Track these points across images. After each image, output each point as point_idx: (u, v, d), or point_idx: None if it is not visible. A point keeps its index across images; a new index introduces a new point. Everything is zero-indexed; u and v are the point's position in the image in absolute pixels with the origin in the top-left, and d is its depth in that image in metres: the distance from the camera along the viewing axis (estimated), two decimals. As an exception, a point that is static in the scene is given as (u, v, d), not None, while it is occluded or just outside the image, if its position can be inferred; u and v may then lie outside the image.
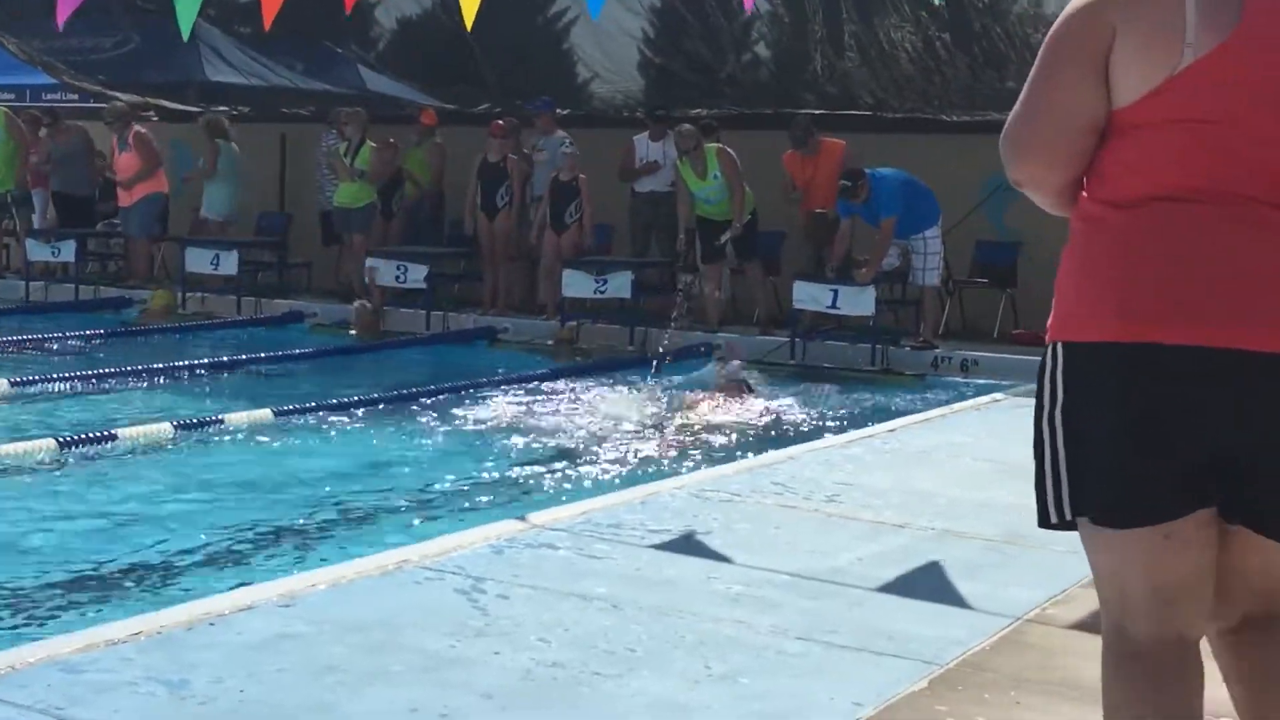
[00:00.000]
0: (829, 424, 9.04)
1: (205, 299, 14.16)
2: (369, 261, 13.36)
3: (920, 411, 8.85)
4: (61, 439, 7.55)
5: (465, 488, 7.21)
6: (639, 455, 7.99)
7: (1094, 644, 4.16)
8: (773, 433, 8.80)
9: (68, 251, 14.84)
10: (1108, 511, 2.43)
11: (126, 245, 15.46)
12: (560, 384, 10.28)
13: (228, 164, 15.00)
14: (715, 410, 9.44)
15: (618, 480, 7.27)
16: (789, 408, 9.62)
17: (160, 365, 10.48)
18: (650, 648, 3.98)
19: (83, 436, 7.66)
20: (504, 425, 8.85)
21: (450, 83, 16.44)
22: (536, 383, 10.25)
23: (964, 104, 13.49)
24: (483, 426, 8.82)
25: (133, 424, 8.13)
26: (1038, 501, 2.50)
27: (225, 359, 11.24)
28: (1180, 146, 2.37)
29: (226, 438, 8.14)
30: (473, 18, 8.75)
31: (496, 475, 7.51)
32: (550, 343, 12.39)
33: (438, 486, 7.21)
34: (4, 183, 15.66)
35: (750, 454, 7.67)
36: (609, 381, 10.48)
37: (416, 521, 6.50)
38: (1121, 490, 2.40)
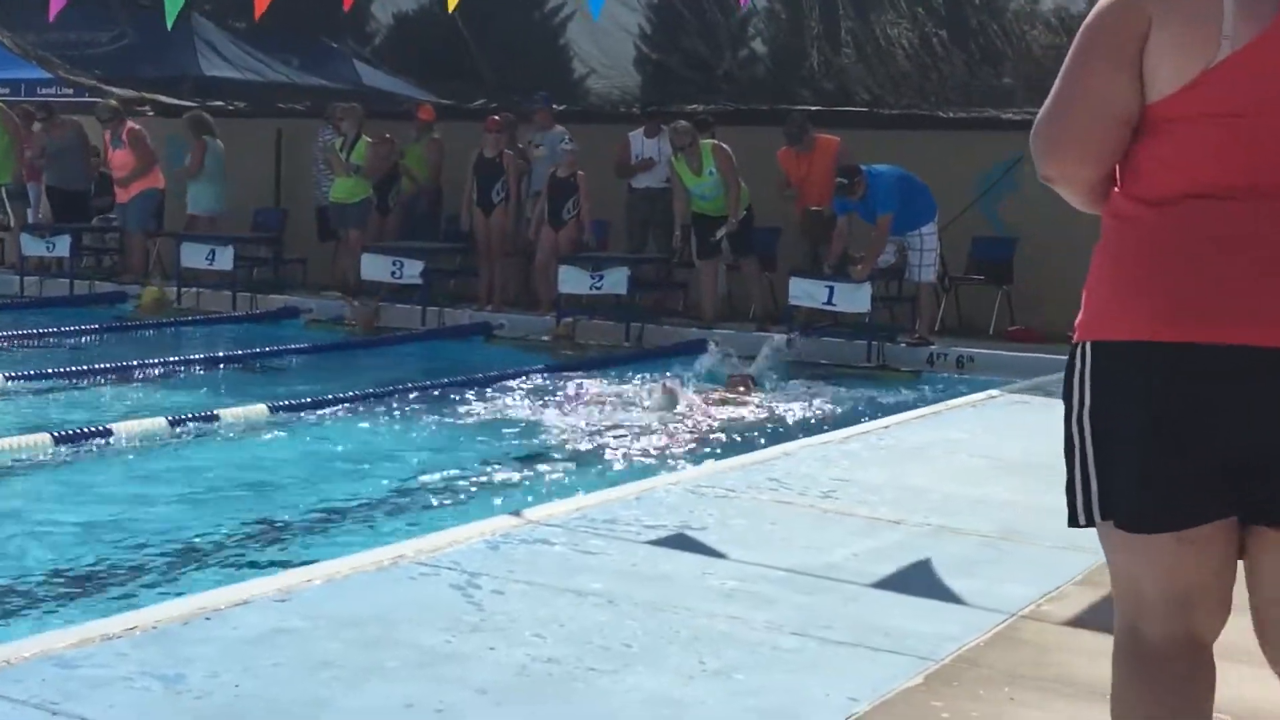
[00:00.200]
0: (825, 420, 9.04)
1: (200, 294, 14.15)
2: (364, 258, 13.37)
3: (916, 408, 8.84)
4: (56, 434, 7.54)
5: (461, 483, 7.21)
6: (634, 451, 7.99)
7: (1089, 641, 4.19)
8: (768, 428, 8.80)
9: (63, 246, 14.82)
10: (1133, 517, 2.39)
11: (122, 240, 15.45)
12: (556, 379, 10.27)
13: (213, 160, 15.00)
14: (718, 406, 9.45)
15: (613, 476, 7.27)
16: (784, 404, 9.63)
17: (155, 361, 10.47)
18: (645, 643, 3.98)
19: (78, 432, 7.66)
20: (499, 421, 8.85)
21: (446, 78, 16.43)
22: (532, 378, 10.25)
23: (960, 100, 13.50)
24: (478, 422, 8.82)
25: (128, 419, 8.13)
26: (1068, 503, 2.46)
27: (220, 354, 11.24)
28: (1217, 142, 2.32)
29: (221, 433, 8.14)
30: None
31: (492, 471, 7.51)
32: (546, 338, 12.39)
33: (433, 482, 7.21)
34: (0, 177, 15.65)
35: (746, 450, 7.67)
36: (605, 377, 10.48)
37: (412, 517, 6.50)
38: (1147, 495, 2.36)
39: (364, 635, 3.92)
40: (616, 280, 12.35)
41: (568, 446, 8.15)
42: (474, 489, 7.10)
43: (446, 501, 6.84)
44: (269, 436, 8.20)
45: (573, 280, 12.49)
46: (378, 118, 14.79)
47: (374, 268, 13.27)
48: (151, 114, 16.89)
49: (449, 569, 4.61)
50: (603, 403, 9.44)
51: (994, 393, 9.21)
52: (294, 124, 16.25)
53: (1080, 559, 5.10)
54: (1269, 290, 2.29)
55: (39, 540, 5.88)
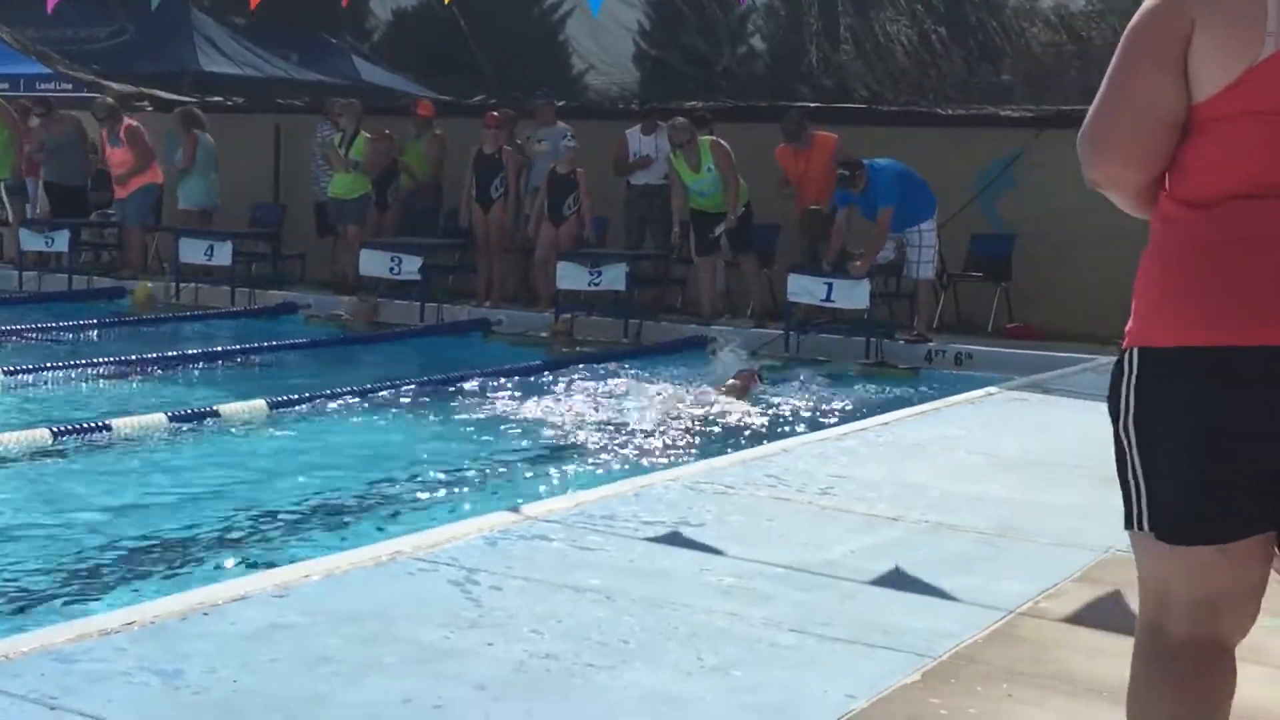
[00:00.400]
0: (823, 417, 9.05)
1: (199, 289, 14.15)
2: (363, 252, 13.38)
3: (914, 405, 8.85)
4: (55, 429, 7.55)
5: (459, 479, 7.22)
6: (632, 447, 7.99)
7: (1087, 638, 4.20)
8: (767, 425, 8.81)
9: (61, 241, 14.82)
10: (1175, 528, 2.38)
11: (121, 235, 15.45)
12: (554, 376, 10.28)
13: (204, 155, 15.00)
14: (722, 401, 9.46)
15: (611, 472, 7.28)
16: (783, 400, 9.63)
17: (154, 356, 10.47)
18: (643, 639, 3.98)
19: (76, 427, 7.66)
20: (497, 417, 8.86)
21: (445, 74, 16.41)
22: (531, 374, 10.26)
23: (959, 97, 13.49)
24: (476, 418, 8.82)
25: (127, 414, 8.13)
26: (1124, 506, 2.46)
27: (219, 350, 11.24)
28: (1261, 139, 2.30)
29: (220, 429, 8.14)
30: None
31: (490, 467, 7.52)
32: (545, 335, 12.39)
33: (431, 477, 7.21)
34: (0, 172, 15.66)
35: (744, 446, 7.67)
36: (603, 374, 10.48)
37: (410, 513, 6.50)
38: (1191, 506, 2.35)
39: (362, 631, 3.92)
40: (615, 277, 12.35)
41: (566, 442, 8.15)
42: (472, 485, 7.11)
43: (444, 497, 6.84)
44: (267, 432, 8.20)
45: (571, 276, 12.49)
46: (376, 113, 14.79)
47: (372, 263, 13.26)
48: (150, 109, 16.89)
49: (447, 565, 4.61)
50: (601, 399, 9.44)
51: (992, 390, 9.21)
52: (293, 119, 16.25)
53: (1078, 556, 5.11)
54: None
55: (37, 535, 5.88)
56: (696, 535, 5.18)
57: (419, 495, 6.89)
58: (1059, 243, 12.39)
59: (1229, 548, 2.35)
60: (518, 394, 9.52)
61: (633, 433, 8.37)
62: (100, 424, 7.77)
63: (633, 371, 10.56)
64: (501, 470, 7.44)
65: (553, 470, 7.41)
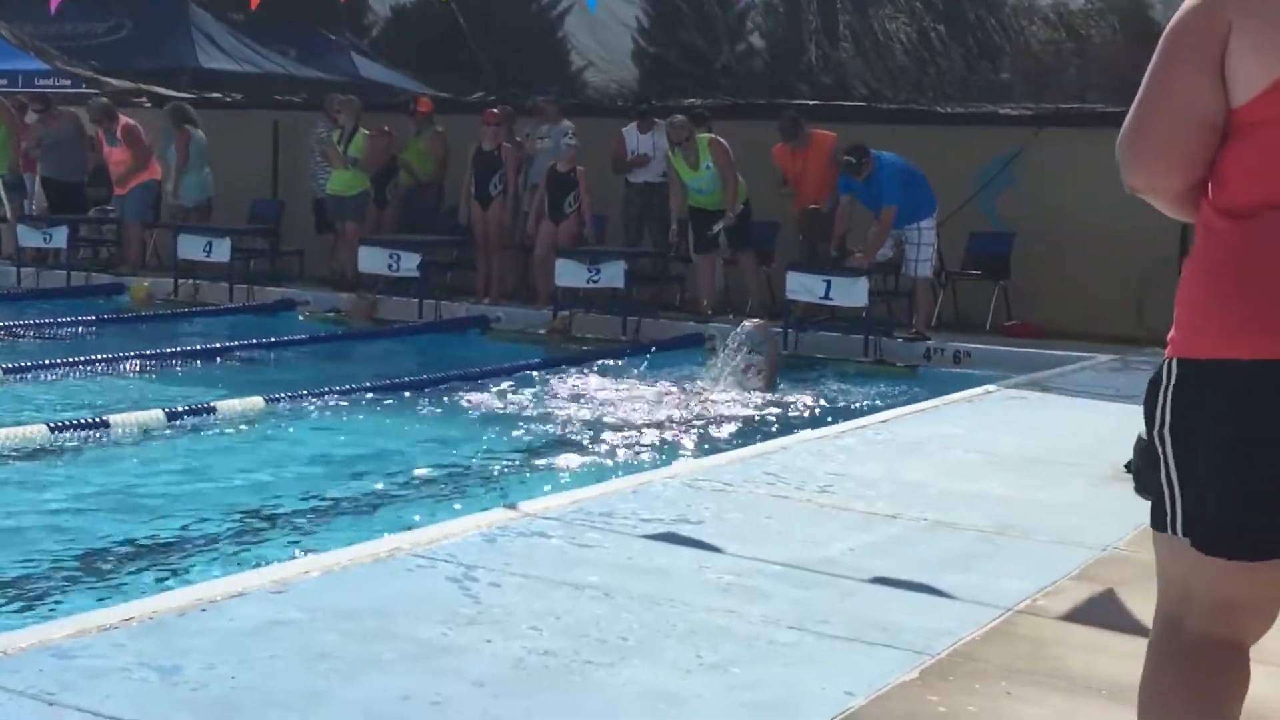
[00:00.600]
0: (821, 414, 9.05)
1: (198, 286, 14.14)
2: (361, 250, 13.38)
3: (912, 403, 8.85)
4: (53, 425, 7.54)
5: (457, 476, 7.22)
6: (631, 444, 7.99)
7: (1085, 635, 4.20)
8: (765, 422, 8.81)
9: (59, 238, 14.81)
10: (1209, 541, 2.36)
11: (120, 231, 15.44)
12: (553, 373, 10.28)
13: (197, 150, 15.00)
14: (721, 396, 9.48)
15: (610, 469, 7.28)
16: (781, 397, 9.64)
17: (152, 352, 10.47)
18: (642, 637, 3.98)
19: (74, 423, 7.66)
20: (496, 414, 8.86)
21: (444, 71, 16.40)
22: (529, 371, 10.26)
23: (958, 95, 13.49)
24: (475, 415, 8.82)
25: (124, 411, 8.13)
26: (1155, 505, 2.45)
27: (217, 346, 11.24)
28: None
29: (218, 425, 8.13)
30: None
31: (488, 463, 7.52)
32: (542, 331, 12.39)
33: (430, 474, 7.22)
34: (-3, 167, 15.67)
35: (742, 444, 7.68)
36: (602, 371, 10.48)
37: (408, 509, 6.50)
38: (1229, 519, 2.33)
39: (361, 627, 3.92)
40: (613, 274, 12.35)
41: (564, 439, 8.15)
42: (470, 482, 7.11)
43: (443, 494, 6.84)
44: (266, 428, 8.20)
45: (570, 274, 12.49)
46: (375, 110, 14.78)
47: (371, 260, 13.26)
48: (148, 105, 16.87)
49: (445, 561, 4.61)
50: (599, 396, 9.44)
51: (990, 388, 9.21)
52: (291, 116, 16.24)
53: (1076, 554, 5.12)
54: None
55: (36, 531, 5.88)
56: (695, 533, 5.18)
57: (417, 492, 6.89)
58: (1058, 241, 12.40)
59: (1260, 564, 2.34)
60: (516, 391, 9.52)
61: (631, 430, 8.38)
62: (98, 420, 7.76)
63: (631, 369, 10.56)
64: (500, 467, 7.44)
65: (551, 467, 7.41)
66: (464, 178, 13.69)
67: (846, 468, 6.48)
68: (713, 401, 9.39)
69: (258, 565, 5.14)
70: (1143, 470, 6.28)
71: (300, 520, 6.33)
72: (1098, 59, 13.27)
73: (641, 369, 10.57)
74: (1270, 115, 2.29)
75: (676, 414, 8.94)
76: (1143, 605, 4.49)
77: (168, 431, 7.90)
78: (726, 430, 8.53)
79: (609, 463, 7.53)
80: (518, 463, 7.54)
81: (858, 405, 9.36)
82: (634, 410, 8.98)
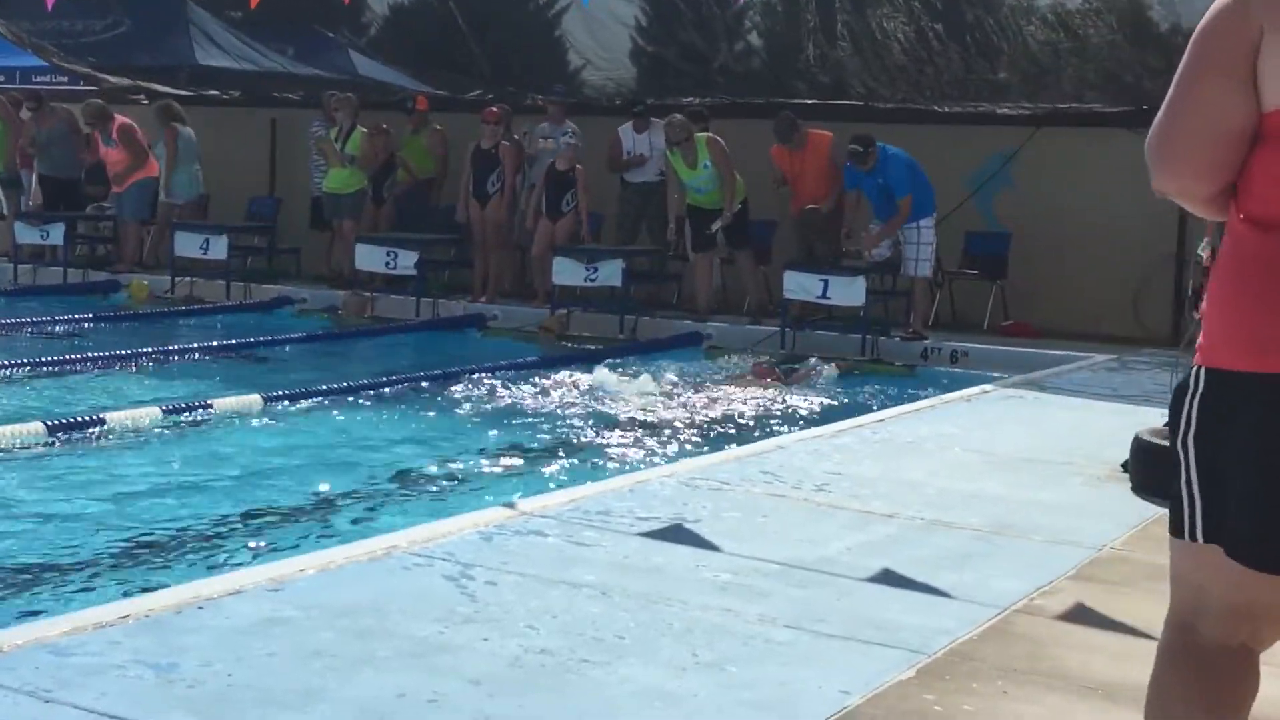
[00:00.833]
0: (818, 413, 9.05)
1: (194, 283, 14.13)
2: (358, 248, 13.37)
3: (909, 402, 8.85)
4: (50, 423, 7.54)
5: (454, 474, 7.21)
6: (628, 443, 7.99)
7: (1082, 635, 4.20)
8: (762, 421, 8.81)
9: (56, 235, 14.80)
10: (1241, 550, 2.33)
11: (117, 229, 15.43)
12: (550, 371, 10.27)
13: (185, 147, 14.98)
14: (726, 393, 9.50)
15: (607, 468, 7.28)
16: (779, 397, 9.63)
17: (149, 350, 10.46)
18: (638, 635, 3.98)
19: (71, 420, 7.65)
20: (493, 412, 8.86)
21: (442, 69, 16.41)
22: (526, 370, 10.25)
23: (956, 94, 13.50)
24: (472, 413, 8.82)
25: (121, 408, 8.12)
26: (1173, 511, 2.43)
27: (214, 344, 11.23)
28: None
29: (215, 423, 8.13)
30: None
31: (486, 462, 7.51)
32: (534, 329, 12.38)
33: (427, 473, 7.21)
34: (-5, 164, 15.66)
35: (740, 442, 7.68)
36: (599, 370, 10.47)
37: (405, 507, 6.50)
38: (1252, 530, 2.31)
39: (357, 625, 3.92)
40: (611, 273, 12.35)
41: (561, 438, 8.15)
42: (467, 480, 7.10)
43: (440, 492, 6.84)
44: (263, 426, 8.20)
45: (567, 272, 12.49)
46: (373, 108, 14.78)
47: (368, 258, 13.26)
48: (146, 102, 16.86)
49: (442, 560, 4.61)
50: (597, 395, 9.44)
51: (987, 387, 9.21)
52: (289, 113, 16.24)
53: (1073, 553, 5.12)
54: None
55: (32, 528, 5.88)
56: (692, 531, 5.18)
57: (414, 490, 6.89)
58: (1055, 241, 12.41)
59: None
60: (513, 389, 9.52)
61: (628, 429, 8.38)
62: (95, 417, 7.76)
63: (629, 367, 10.56)
64: (497, 466, 7.44)
65: (548, 466, 7.41)
66: (462, 176, 13.69)
67: (843, 467, 6.48)
68: (710, 400, 9.39)
69: (253, 562, 5.14)
70: (1137, 471, 6.30)
71: (296, 518, 6.33)
72: (1095, 59, 13.28)
73: (639, 367, 10.57)
74: None
75: (673, 413, 8.94)
76: (1140, 605, 4.49)
77: (164, 429, 7.89)
78: (723, 429, 8.53)
79: (606, 461, 7.53)
80: (515, 461, 7.54)
81: (854, 404, 9.35)
82: (631, 409, 8.98)
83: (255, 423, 8.23)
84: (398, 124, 14.68)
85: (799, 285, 11.64)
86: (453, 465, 7.40)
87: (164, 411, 8.05)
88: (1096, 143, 12.43)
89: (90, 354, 10.10)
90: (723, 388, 9.84)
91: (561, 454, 7.69)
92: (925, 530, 5.40)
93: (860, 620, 4.21)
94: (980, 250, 12.78)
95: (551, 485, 6.70)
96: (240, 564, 5.28)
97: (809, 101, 13.80)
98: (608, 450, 7.82)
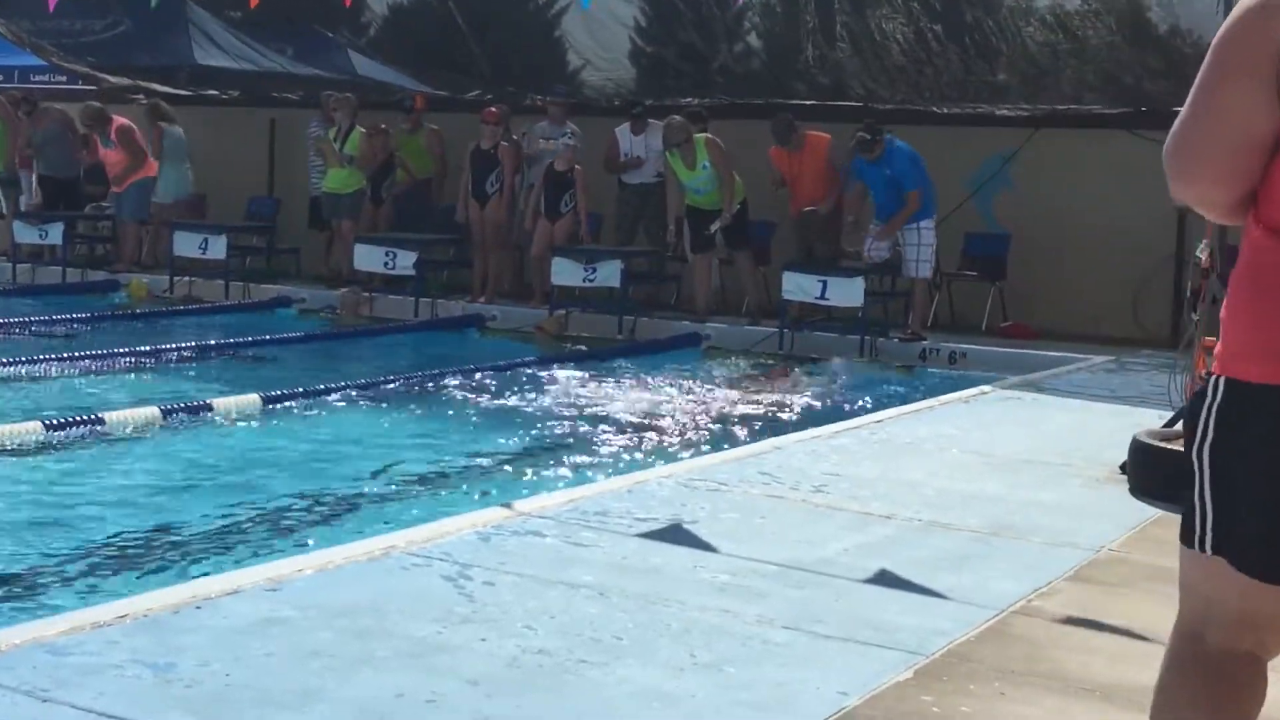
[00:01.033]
0: (816, 414, 9.05)
1: (193, 283, 14.13)
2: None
3: (908, 403, 8.86)
4: (48, 422, 7.53)
5: (453, 474, 7.22)
6: (626, 443, 7.99)
7: (1080, 637, 4.20)
8: (760, 422, 8.81)
9: (55, 234, 14.80)
10: (1249, 562, 2.31)
11: (116, 228, 15.43)
12: (549, 371, 10.27)
13: (173, 146, 14.97)
14: (721, 394, 9.52)
15: (605, 468, 7.28)
16: (777, 397, 9.64)
17: (147, 349, 10.46)
18: (636, 636, 3.98)
19: (69, 420, 7.65)
20: (492, 412, 8.86)
21: (441, 69, 16.41)
22: (525, 370, 10.25)
23: (955, 96, 13.50)
24: (471, 413, 8.82)
25: (119, 408, 8.12)
26: (1185, 520, 2.41)
27: (213, 344, 11.23)
28: None
29: (214, 423, 8.13)
30: None
31: (484, 462, 7.52)
32: (532, 329, 12.38)
33: (425, 473, 7.21)
34: (-6, 163, 15.66)
35: (738, 443, 7.68)
36: (597, 370, 10.48)
37: (403, 507, 6.50)
38: (1256, 540, 2.29)
39: (355, 625, 3.92)
40: (610, 273, 12.35)
41: (559, 439, 8.15)
42: (466, 480, 7.11)
43: (438, 492, 6.84)
44: (261, 426, 8.19)
45: (566, 272, 12.50)
46: (372, 108, 14.78)
47: (367, 258, 13.26)
48: (145, 102, 16.85)
49: (440, 560, 4.61)
50: (595, 395, 9.44)
51: (986, 389, 9.21)
52: (288, 113, 16.24)
53: (1071, 555, 5.12)
54: None
55: (30, 528, 5.87)
56: (690, 532, 5.18)
57: (412, 490, 6.89)
58: (1054, 242, 12.41)
59: None
60: (512, 390, 9.52)
61: (626, 429, 8.38)
62: (93, 417, 7.75)
63: (627, 368, 10.57)
64: (495, 466, 7.44)
65: (546, 466, 7.41)
66: (462, 176, 13.69)
67: (841, 468, 6.48)
68: (708, 401, 9.39)
69: (251, 562, 5.14)
70: (1135, 472, 6.30)
71: (295, 518, 6.32)
72: (1094, 60, 13.28)
73: (637, 368, 10.57)
74: None
75: (672, 413, 8.94)
76: (1137, 606, 4.50)
77: (163, 429, 7.89)
78: (722, 429, 8.53)
79: (604, 462, 7.53)
80: (513, 461, 7.53)
81: (853, 405, 9.36)
82: (629, 409, 8.98)
83: (254, 423, 8.23)
84: (395, 124, 14.67)
85: (798, 286, 11.65)
86: (451, 465, 7.40)
87: (162, 411, 8.05)
88: (1095, 144, 12.43)
89: (88, 353, 10.09)
90: (721, 388, 9.84)
91: (559, 454, 7.69)
92: (923, 531, 5.40)
93: (858, 621, 4.21)
94: (979, 251, 12.78)
95: (550, 486, 6.70)
96: (238, 564, 5.28)
97: (808, 102, 13.80)
98: (606, 451, 7.82)
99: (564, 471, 7.25)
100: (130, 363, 10.10)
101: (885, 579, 4.72)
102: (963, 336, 11.87)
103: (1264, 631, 2.40)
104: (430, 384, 9.53)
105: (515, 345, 11.87)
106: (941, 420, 8.01)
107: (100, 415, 7.80)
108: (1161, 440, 6.31)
